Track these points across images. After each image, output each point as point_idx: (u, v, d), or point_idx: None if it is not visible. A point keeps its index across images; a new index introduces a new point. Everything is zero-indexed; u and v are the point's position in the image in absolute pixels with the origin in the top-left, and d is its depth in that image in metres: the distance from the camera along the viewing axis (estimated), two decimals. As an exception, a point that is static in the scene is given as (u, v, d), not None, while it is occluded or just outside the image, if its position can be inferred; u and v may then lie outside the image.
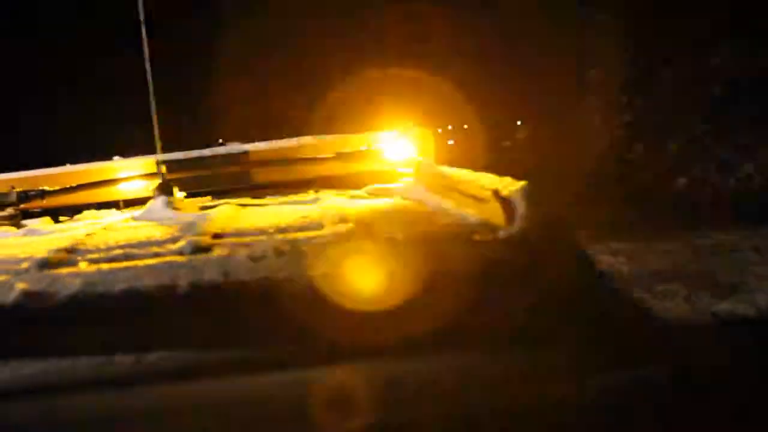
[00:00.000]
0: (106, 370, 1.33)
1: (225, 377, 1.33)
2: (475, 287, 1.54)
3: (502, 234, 1.67)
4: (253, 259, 1.53)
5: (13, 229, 2.69)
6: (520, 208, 1.70)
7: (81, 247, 1.82)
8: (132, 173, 3.20)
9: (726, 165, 9.58)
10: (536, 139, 13.61)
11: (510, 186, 1.78)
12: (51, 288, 1.43)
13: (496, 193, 1.79)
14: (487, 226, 1.77)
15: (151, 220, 2.36)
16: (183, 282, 1.42)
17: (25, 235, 2.38)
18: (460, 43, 12.10)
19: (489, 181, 1.96)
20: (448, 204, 2.21)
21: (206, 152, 3.26)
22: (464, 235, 1.70)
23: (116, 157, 3.45)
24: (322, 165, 3.13)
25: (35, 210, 3.26)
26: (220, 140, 4.11)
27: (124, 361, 1.34)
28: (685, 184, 10.19)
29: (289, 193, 2.99)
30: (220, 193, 3.17)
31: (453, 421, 1.36)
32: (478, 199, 1.93)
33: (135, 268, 1.51)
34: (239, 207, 2.49)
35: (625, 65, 10.56)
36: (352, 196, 2.56)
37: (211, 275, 1.44)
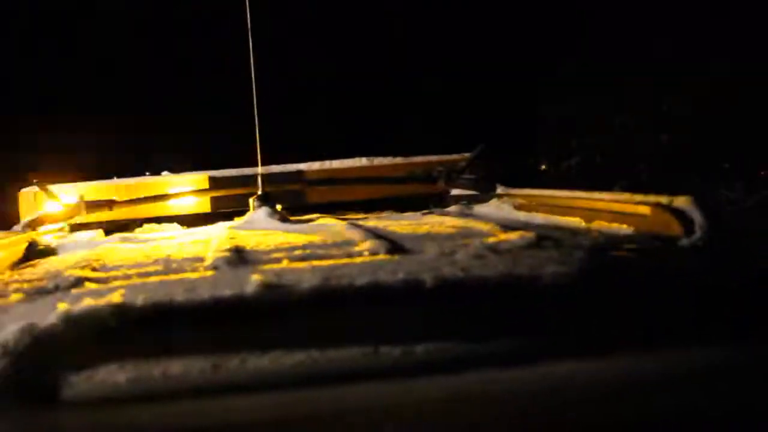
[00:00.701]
0: (372, 361, 1.31)
1: (479, 370, 1.32)
2: (665, 292, 1.57)
3: (684, 242, 1.73)
4: (476, 257, 1.53)
5: (98, 237, 2.62)
6: (698, 218, 1.76)
7: (254, 248, 1.79)
8: (187, 188, 3.16)
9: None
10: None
11: (679, 199, 1.84)
12: (288, 280, 1.41)
13: (664, 206, 1.84)
14: (648, 237, 1.83)
15: (256, 229, 2.33)
16: (427, 277, 1.41)
17: (126, 242, 2.32)
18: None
19: (634, 197, 2.02)
20: (556, 220, 2.26)
21: (258, 170, 3.23)
22: (645, 244, 1.75)
23: (165, 172, 3.39)
24: (389, 186, 3.14)
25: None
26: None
27: (390, 352, 1.32)
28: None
29: (364, 212, 2.98)
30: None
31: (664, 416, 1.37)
32: (628, 215, 1.99)
33: (368, 264, 1.50)
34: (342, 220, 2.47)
35: (576, 108, 10.87)
36: (449, 214, 2.58)
37: (451, 271, 1.44)
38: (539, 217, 2.32)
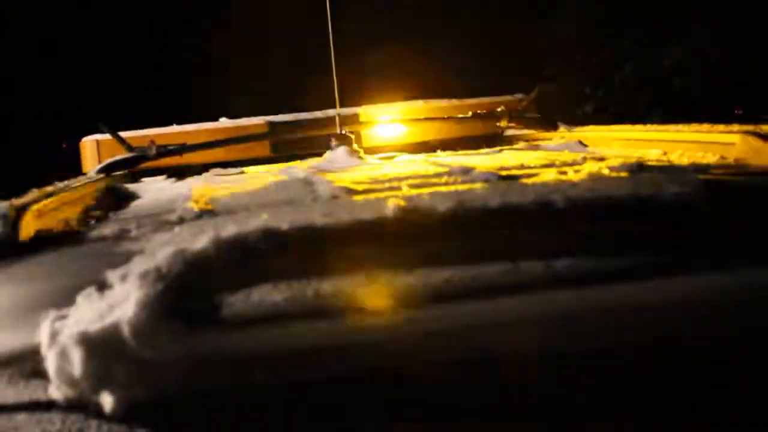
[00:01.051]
0: (515, 277, 1.37)
1: (616, 283, 1.38)
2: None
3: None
4: (594, 180, 1.59)
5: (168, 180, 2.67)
6: None
7: (361, 180, 1.85)
8: (246, 133, 3.20)
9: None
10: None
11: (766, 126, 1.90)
12: (423, 204, 1.46)
13: (755, 133, 1.90)
14: (744, 163, 1.89)
15: (337, 167, 2.38)
16: (557, 197, 1.46)
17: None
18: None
19: (716, 127, 2.08)
20: (636, 152, 2.32)
21: (317, 114, 3.28)
22: (745, 169, 1.81)
23: (222, 119, 3.44)
24: (450, 126, 3.19)
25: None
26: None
27: (531, 268, 1.38)
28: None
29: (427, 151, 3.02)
30: None
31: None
32: (713, 144, 2.04)
33: (493, 188, 1.56)
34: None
35: (588, 57, 10.90)
36: (523, 150, 2.63)
37: (577, 192, 1.49)
38: (615, 151, 2.37)
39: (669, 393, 1.34)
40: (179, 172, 3.15)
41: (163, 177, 3.07)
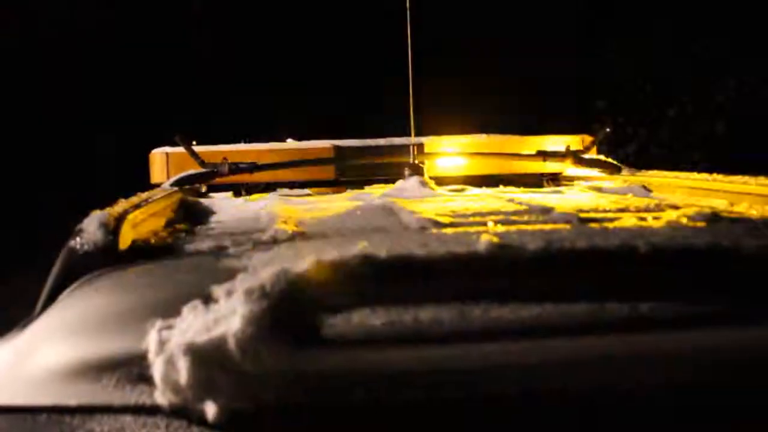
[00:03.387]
0: (599, 316, 1.43)
1: (696, 328, 1.43)
2: None
3: None
4: (673, 228, 1.66)
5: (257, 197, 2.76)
6: None
7: (444, 213, 1.92)
8: (312, 156, 3.29)
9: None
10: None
11: None
12: (513, 241, 1.53)
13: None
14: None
15: (406, 197, 2.46)
16: (640, 243, 1.53)
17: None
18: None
19: None
20: (700, 201, 2.37)
21: (381, 141, 3.36)
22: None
23: (289, 140, 3.53)
24: (512, 161, 3.25)
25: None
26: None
27: (617, 309, 1.44)
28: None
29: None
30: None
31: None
32: None
33: (577, 230, 1.62)
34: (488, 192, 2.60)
35: (631, 98, 10.93)
36: (587, 191, 2.69)
37: (659, 239, 1.56)
38: (679, 198, 2.42)
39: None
40: (242, 190, 3.24)
41: (230, 194, 3.16)
